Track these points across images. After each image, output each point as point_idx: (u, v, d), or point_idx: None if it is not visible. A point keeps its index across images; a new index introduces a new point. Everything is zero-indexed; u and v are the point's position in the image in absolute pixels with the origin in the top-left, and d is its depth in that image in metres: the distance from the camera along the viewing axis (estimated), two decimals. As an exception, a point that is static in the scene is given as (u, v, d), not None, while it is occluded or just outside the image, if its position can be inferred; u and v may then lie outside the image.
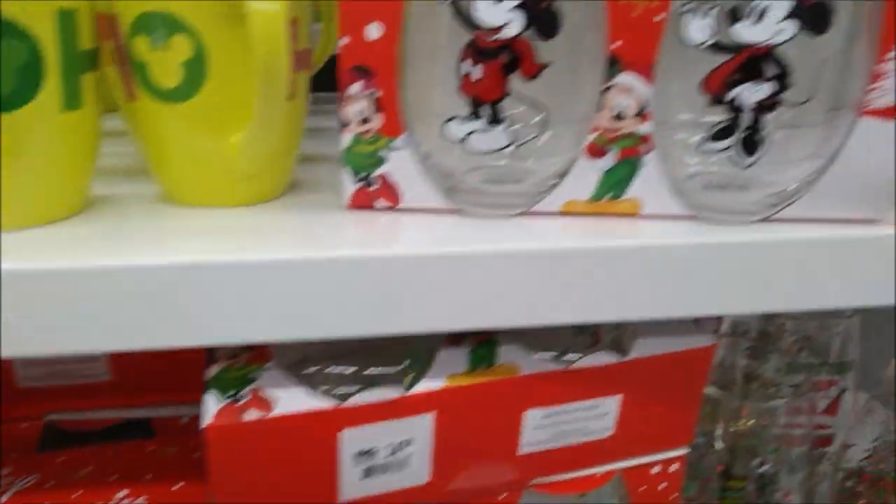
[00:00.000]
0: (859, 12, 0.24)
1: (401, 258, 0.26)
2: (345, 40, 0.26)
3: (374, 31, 0.26)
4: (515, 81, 0.25)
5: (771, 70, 0.24)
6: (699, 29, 0.24)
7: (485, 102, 0.26)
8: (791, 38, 0.23)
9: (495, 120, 0.26)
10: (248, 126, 0.27)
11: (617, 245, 0.27)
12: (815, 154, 0.27)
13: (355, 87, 0.27)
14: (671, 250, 0.27)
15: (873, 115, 0.25)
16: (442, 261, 0.26)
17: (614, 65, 0.26)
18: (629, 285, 0.27)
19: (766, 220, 0.28)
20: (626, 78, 0.26)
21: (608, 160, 0.27)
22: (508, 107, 0.26)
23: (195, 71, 0.27)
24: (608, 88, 0.26)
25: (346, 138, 0.28)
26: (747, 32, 0.23)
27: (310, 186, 0.34)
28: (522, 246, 0.26)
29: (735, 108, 0.25)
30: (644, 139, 0.27)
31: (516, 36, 0.24)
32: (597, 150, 0.27)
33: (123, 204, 0.31)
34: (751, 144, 0.25)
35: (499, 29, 0.24)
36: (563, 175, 0.28)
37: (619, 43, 0.25)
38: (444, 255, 0.26)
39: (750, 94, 0.24)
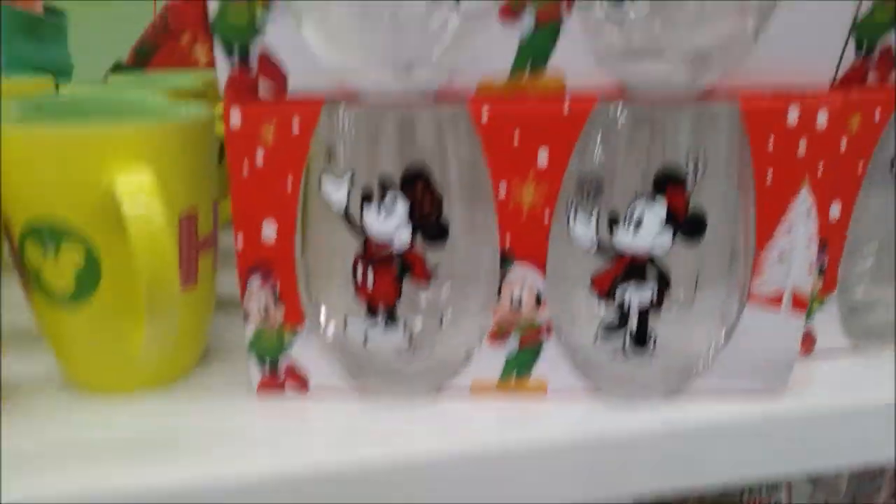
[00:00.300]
0: (736, 212, 0.25)
1: (310, 473, 0.25)
2: (240, 238, 0.26)
3: (268, 228, 0.26)
4: (409, 285, 0.26)
5: (654, 274, 0.24)
6: (583, 232, 0.25)
7: (381, 306, 0.26)
8: (669, 248, 0.24)
9: (392, 319, 0.26)
10: (143, 327, 0.27)
11: (528, 437, 0.26)
12: (713, 328, 0.28)
13: (254, 283, 0.27)
14: (584, 438, 0.26)
15: (758, 301, 0.26)
16: (353, 473, 0.25)
17: (507, 259, 0.26)
18: (543, 476, 0.27)
19: (673, 393, 0.29)
20: (520, 271, 0.26)
21: (511, 345, 0.28)
22: (405, 307, 0.26)
23: (88, 276, 0.27)
24: (504, 280, 0.26)
25: (250, 330, 0.28)
26: (627, 240, 0.24)
27: (225, 354, 0.33)
28: (434, 447, 0.25)
29: (623, 308, 0.25)
30: (543, 327, 0.27)
31: (407, 246, 0.25)
32: (498, 336, 0.28)
33: (22, 393, 0.29)
34: (641, 339, 0.25)
35: (388, 240, 0.25)
36: (469, 356, 0.28)
37: (509, 240, 0.26)
38: (354, 469, 0.25)
39: (635, 295, 0.25)
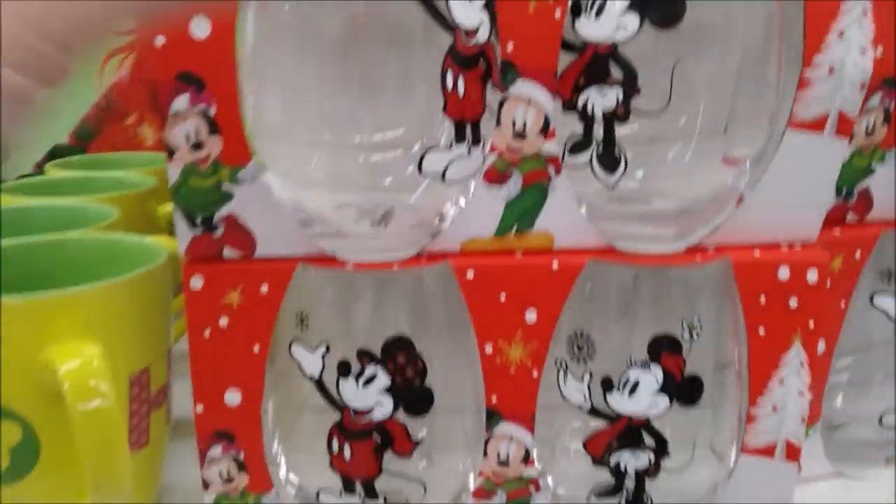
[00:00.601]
0: (728, 365, 0.25)
1: None
2: (200, 408, 0.24)
3: (232, 396, 0.24)
4: (390, 457, 0.24)
5: (650, 439, 0.23)
6: (574, 393, 0.23)
7: (359, 480, 0.24)
8: (666, 412, 0.23)
9: (371, 495, 0.24)
10: (89, 500, 0.24)
11: None
12: (710, 478, 0.26)
13: (216, 451, 0.24)
14: None
15: (752, 451, 0.26)
16: None
17: (494, 416, 0.25)
18: None
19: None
20: (507, 428, 0.25)
21: (497, 500, 0.26)
22: (385, 481, 0.24)
23: (25, 453, 0.23)
24: (490, 437, 0.25)
25: (209, 498, 0.25)
26: (621, 403, 0.23)
27: (180, 490, 0.30)
28: None
29: (618, 471, 0.24)
30: (532, 482, 0.25)
31: (388, 417, 0.23)
32: (484, 493, 0.26)
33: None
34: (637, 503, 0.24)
35: (367, 412, 0.23)
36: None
37: (496, 397, 0.24)
38: None
39: (631, 461, 0.23)
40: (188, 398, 0.27)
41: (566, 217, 0.23)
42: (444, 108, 0.20)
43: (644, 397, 0.22)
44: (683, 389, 0.22)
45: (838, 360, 0.33)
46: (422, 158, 0.21)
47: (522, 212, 0.22)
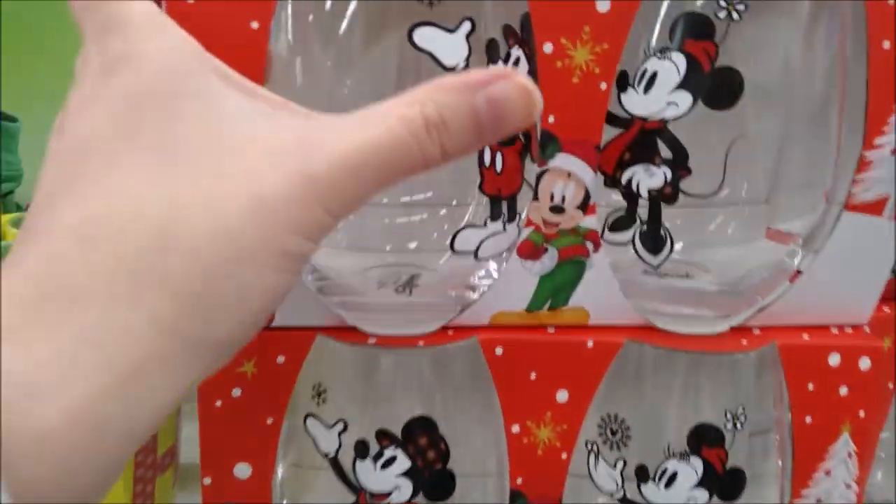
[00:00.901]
0: (771, 451, 0.23)
1: None
2: (208, 481, 0.23)
3: (242, 470, 0.23)
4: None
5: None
6: (607, 478, 0.22)
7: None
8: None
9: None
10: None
11: None
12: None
13: (222, 525, 0.23)
14: None
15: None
16: None
17: (519, 498, 0.23)
18: None
19: None
20: (532, 511, 0.23)
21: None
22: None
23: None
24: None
25: (213, 574, 0.24)
26: (658, 496, 0.22)
27: None
28: None
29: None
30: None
31: (407, 502, 0.22)
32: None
33: None
34: None
35: (385, 496, 0.21)
36: None
37: (521, 479, 0.23)
38: None
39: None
40: (195, 443, 0.26)
41: (603, 294, 0.21)
42: (481, 186, 0.19)
43: (682, 490, 0.21)
44: (725, 483, 0.21)
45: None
46: (454, 238, 0.19)
47: (557, 287, 0.21)
